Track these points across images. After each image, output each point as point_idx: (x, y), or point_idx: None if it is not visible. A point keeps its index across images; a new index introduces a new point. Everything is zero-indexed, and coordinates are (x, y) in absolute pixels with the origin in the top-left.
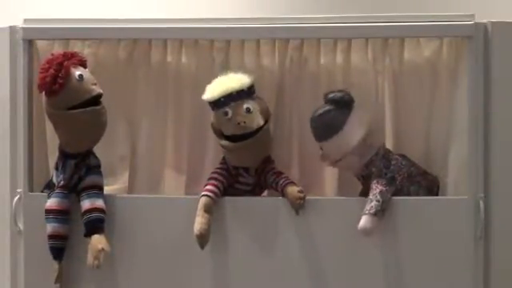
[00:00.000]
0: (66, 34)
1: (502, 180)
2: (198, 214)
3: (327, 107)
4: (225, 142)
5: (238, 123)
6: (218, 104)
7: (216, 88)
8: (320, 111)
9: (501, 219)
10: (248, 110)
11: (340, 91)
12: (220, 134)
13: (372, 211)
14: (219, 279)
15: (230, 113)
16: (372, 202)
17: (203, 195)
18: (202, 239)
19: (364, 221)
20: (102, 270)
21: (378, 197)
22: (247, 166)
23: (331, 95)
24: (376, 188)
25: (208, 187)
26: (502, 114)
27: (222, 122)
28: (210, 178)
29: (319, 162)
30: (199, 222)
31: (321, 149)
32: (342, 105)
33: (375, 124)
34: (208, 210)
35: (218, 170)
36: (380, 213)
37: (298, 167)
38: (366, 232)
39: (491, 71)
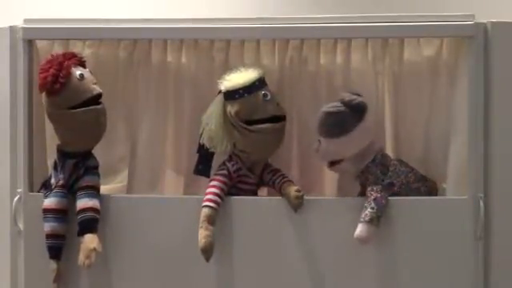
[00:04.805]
0: (66, 34)
1: (501, 180)
2: (201, 226)
3: (342, 108)
4: (265, 125)
5: (278, 104)
6: (251, 89)
7: (242, 77)
8: (333, 109)
9: (501, 219)
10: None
11: (358, 96)
12: (247, 122)
13: (367, 219)
14: (218, 279)
15: (269, 94)
16: (366, 210)
17: (205, 206)
18: (208, 253)
19: (359, 229)
20: (101, 270)
21: (373, 204)
22: (271, 154)
23: (349, 98)
24: (371, 195)
25: (209, 197)
26: (502, 113)
27: (258, 106)
28: (211, 186)
29: (319, 162)
30: (204, 236)
31: (318, 141)
32: (357, 111)
33: (375, 128)
34: (211, 221)
35: (219, 178)
36: (375, 220)
37: (298, 167)
38: (362, 240)
39: (491, 71)
